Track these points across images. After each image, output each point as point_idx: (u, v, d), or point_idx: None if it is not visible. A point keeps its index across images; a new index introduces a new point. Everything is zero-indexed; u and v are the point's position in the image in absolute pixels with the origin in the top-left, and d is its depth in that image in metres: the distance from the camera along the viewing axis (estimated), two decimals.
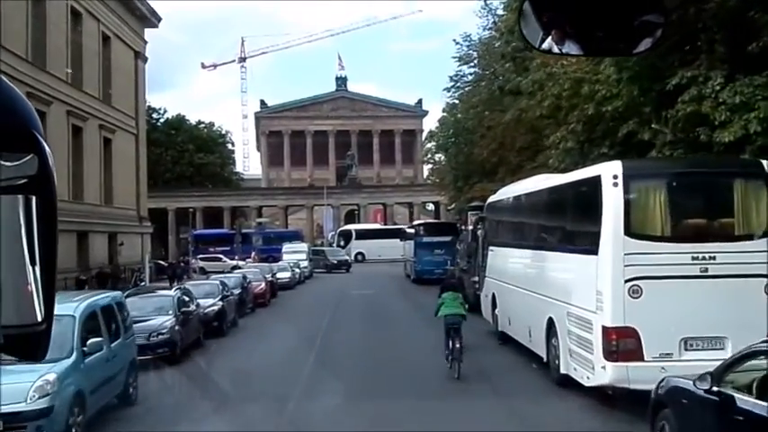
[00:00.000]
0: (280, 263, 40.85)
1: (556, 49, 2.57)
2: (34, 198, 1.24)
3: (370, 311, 26.53)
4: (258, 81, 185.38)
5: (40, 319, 1.25)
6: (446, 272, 24.92)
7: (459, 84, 40.70)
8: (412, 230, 41.56)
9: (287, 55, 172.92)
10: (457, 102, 42.22)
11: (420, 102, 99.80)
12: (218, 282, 21.91)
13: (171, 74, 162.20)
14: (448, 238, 38.04)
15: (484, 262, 19.52)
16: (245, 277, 26.62)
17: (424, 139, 77.16)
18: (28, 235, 1.24)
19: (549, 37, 2.51)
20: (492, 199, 18.92)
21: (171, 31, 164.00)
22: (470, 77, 40.47)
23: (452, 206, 64.13)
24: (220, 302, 20.35)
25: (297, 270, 40.66)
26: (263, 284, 28.61)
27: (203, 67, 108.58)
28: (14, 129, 1.24)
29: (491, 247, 18.48)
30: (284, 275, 36.76)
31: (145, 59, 49.90)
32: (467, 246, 27.10)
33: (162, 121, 72.56)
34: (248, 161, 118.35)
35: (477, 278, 23.24)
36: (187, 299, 18.58)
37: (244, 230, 55.61)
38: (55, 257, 1.28)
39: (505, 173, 31.10)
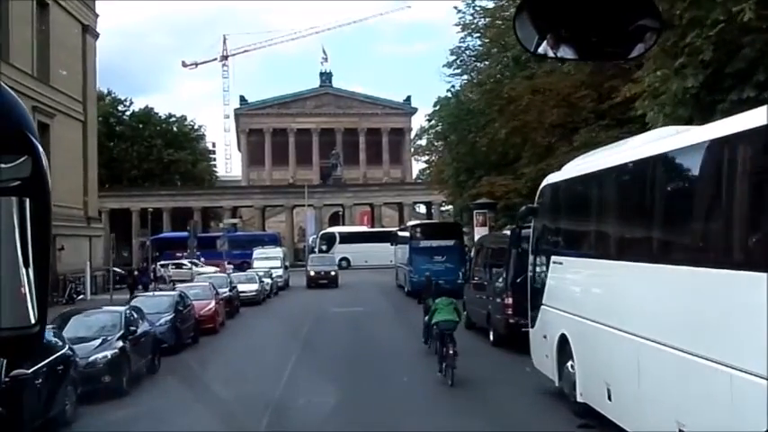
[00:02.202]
0: (247, 272, 33.05)
1: (551, 54, 2.51)
2: (28, 200, 1.22)
3: (356, 344, 18.84)
4: (241, 82, 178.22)
5: (33, 321, 1.22)
6: (431, 282, 18.62)
7: (462, 58, 33.12)
8: (406, 233, 33.83)
9: (271, 56, 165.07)
10: (459, 80, 34.51)
11: (409, 99, 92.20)
12: (123, 311, 13.96)
13: (156, 77, 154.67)
14: (450, 242, 30.55)
15: (536, 280, 11.92)
16: (182, 297, 18.85)
17: (414, 135, 69.72)
18: (22, 237, 1.20)
19: (545, 41, 2.45)
20: (557, 179, 11.26)
21: (156, 34, 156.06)
22: (476, 50, 32.94)
23: (451, 206, 56.67)
24: (119, 344, 12.60)
25: (268, 280, 32.85)
26: (212, 304, 20.86)
27: (184, 65, 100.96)
28: (8, 131, 1.22)
29: (555, 258, 10.84)
30: (249, 288, 28.97)
31: (96, 35, 42.00)
32: (485, 253, 19.49)
33: (128, 113, 64.53)
34: (230, 162, 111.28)
35: (509, 300, 15.73)
36: (57, 342, 10.93)
37: (210, 233, 47.50)
38: (48, 260, 1.25)
39: (530, 157, 23.57)
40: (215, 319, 20.63)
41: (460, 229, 31.94)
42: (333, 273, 38.15)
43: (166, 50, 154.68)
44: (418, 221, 44.03)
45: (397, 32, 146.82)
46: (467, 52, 33.03)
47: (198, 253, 41.33)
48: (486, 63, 32.44)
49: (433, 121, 35.99)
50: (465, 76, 33.87)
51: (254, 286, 29.35)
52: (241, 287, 28.35)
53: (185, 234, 55.18)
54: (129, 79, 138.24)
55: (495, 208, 31.14)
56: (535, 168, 23.34)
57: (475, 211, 31.79)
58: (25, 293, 1.21)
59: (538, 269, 11.95)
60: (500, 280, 16.30)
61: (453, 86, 33.87)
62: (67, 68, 38.08)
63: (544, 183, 11.82)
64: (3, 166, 1.20)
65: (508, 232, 16.84)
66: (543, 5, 2.52)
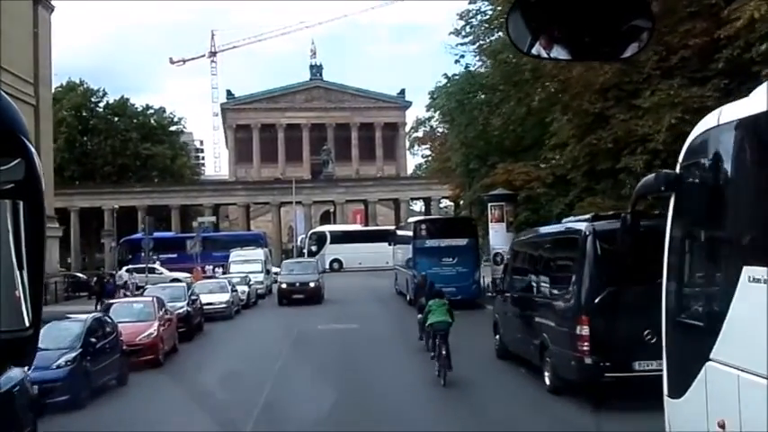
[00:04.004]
0: (219, 279, 27.27)
1: (544, 54, 2.47)
2: (22, 203, 1.19)
3: (348, 381, 13.07)
4: (231, 81, 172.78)
5: (27, 324, 1.19)
6: (425, 281, 18.40)
7: (471, 23, 27.37)
8: (408, 231, 28.06)
9: (261, 56, 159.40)
10: (468, 52, 28.70)
11: (403, 92, 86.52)
12: None
13: (144, 77, 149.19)
14: (462, 242, 24.94)
15: (689, 310, 6.19)
16: (101, 321, 13.06)
17: (409, 128, 64.04)
18: (15, 240, 1.18)
19: (538, 42, 2.43)
20: (751, 110, 5.48)
21: (146, 35, 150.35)
22: (488, 15, 27.21)
23: (452, 203, 50.96)
24: None
25: (244, 288, 27.08)
26: (154, 327, 15.06)
27: (171, 62, 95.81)
28: (1, 134, 1.19)
29: (757, 272, 5.11)
30: (218, 300, 23.20)
31: (50, 8, 36.16)
32: (528, 256, 13.74)
33: (102, 104, 58.55)
34: (219, 161, 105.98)
35: (585, 329, 10.12)
36: None
37: (181, 234, 41.59)
38: (43, 263, 1.23)
39: (573, 129, 17.89)
40: (157, 348, 14.86)
41: (474, 225, 26.27)
42: (313, 284, 27.70)
43: (155, 51, 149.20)
44: (423, 217, 38.26)
45: (389, 33, 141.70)
46: (478, 17, 27.37)
47: (155, 257, 35.48)
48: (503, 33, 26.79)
49: (437, 100, 30.12)
50: (475, 46, 28.12)
51: (225, 297, 23.54)
52: (208, 298, 22.62)
53: (163, 234, 49.47)
54: (117, 80, 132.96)
55: (515, 200, 25.61)
56: (580, 144, 17.74)
57: (489, 204, 26.21)
58: (19, 297, 1.16)
59: (689, 289, 6.23)
60: (567, 297, 10.59)
61: (462, 56, 28.08)
62: (14, 44, 32.28)
63: (703, 127, 6.07)
64: None
65: (572, 224, 11.17)
66: (536, 6, 2.43)
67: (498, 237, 25.96)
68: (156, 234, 48.82)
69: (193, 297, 20.24)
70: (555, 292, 11.14)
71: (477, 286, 24.61)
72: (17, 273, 1.16)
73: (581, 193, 23.07)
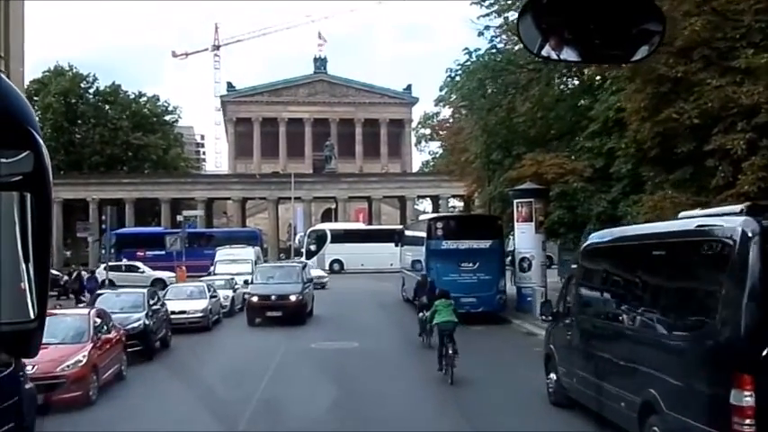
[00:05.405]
0: (197, 283, 23.06)
1: (554, 56, 2.42)
2: (29, 195, 1.16)
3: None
4: (233, 76, 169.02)
5: (32, 316, 1.17)
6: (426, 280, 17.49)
7: None
8: (419, 231, 23.87)
9: (265, 51, 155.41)
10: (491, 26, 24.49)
11: (409, 88, 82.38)
12: None
13: (148, 70, 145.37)
14: (485, 244, 20.82)
15: None
16: None
17: (417, 124, 59.88)
18: (22, 233, 1.15)
19: (548, 43, 2.39)
20: None
21: (149, 27, 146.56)
22: None
23: (462, 203, 47.03)
24: None
25: (227, 293, 22.92)
26: (84, 353, 10.94)
27: (174, 55, 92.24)
28: (11, 126, 1.16)
29: None
30: (192, 308, 19.06)
31: None
32: (609, 273, 9.57)
33: (91, 90, 54.34)
34: (221, 157, 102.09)
35: (749, 396, 5.85)
36: None
37: (160, 229, 37.56)
38: (49, 255, 1.19)
39: (647, 101, 13.66)
40: (86, 381, 10.72)
41: (500, 225, 22.08)
42: (294, 298, 20.58)
43: (158, 44, 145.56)
44: (438, 215, 34.02)
45: (395, 32, 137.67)
46: None
47: (141, 253, 31.42)
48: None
49: (455, 79, 25.86)
50: (500, 20, 24.00)
51: (201, 305, 19.36)
52: (180, 305, 18.55)
53: (149, 230, 45.44)
54: (118, 73, 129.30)
55: (547, 196, 21.56)
56: (650, 122, 13.57)
57: (516, 201, 22.16)
58: (25, 289, 1.14)
59: None
60: (704, 338, 6.42)
61: (488, 27, 23.88)
62: None
63: None
64: (4, 161, 1.14)
65: (711, 221, 7.00)
66: (547, 7, 2.39)
67: (526, 238, 21.88)
68: (143, 229, 44.94)
69: (156, 306, 16.05)
70: (675, 326, 6.96)
71: (502, 297, 20.52)
72: (23, 265, 1.12)
73: (626, 187, 19.14)
